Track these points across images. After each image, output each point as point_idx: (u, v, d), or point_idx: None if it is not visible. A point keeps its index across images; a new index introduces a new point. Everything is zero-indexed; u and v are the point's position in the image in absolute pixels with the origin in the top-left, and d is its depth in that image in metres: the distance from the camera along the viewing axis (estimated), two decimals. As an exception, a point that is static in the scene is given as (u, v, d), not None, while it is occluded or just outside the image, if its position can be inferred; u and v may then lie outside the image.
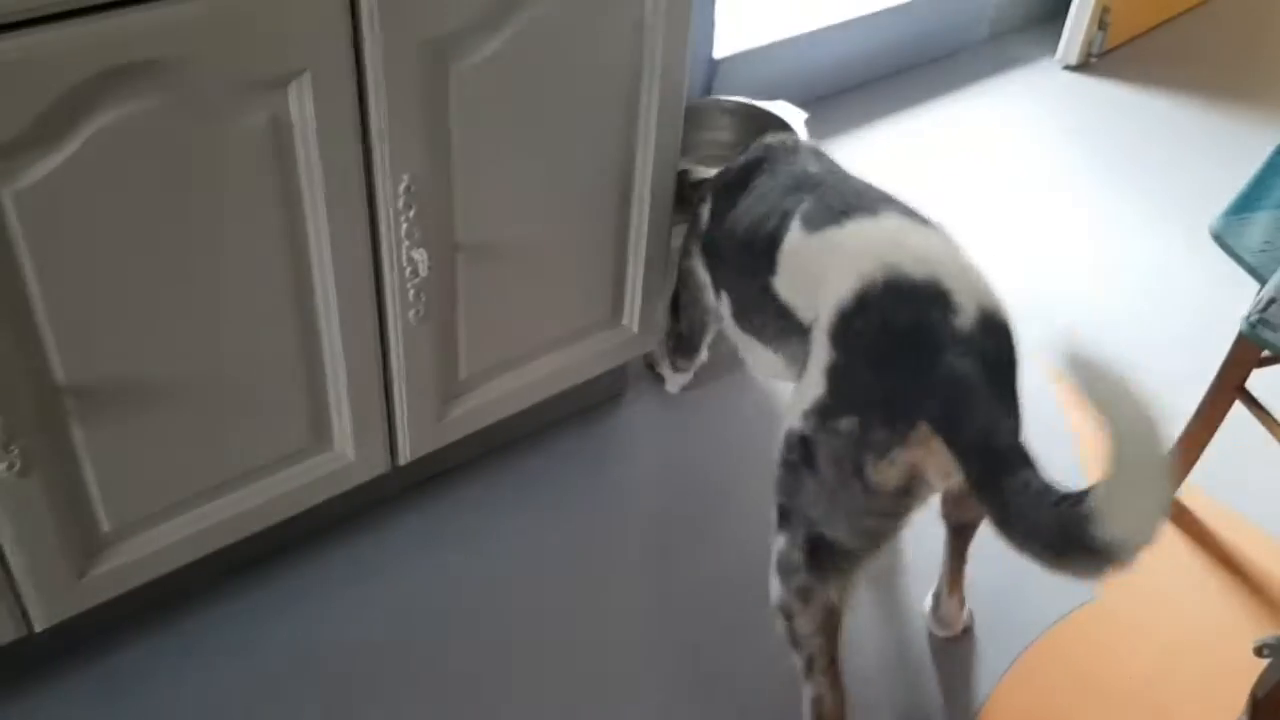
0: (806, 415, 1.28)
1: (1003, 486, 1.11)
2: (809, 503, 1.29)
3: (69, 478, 1.33)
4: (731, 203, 1.63)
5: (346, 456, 1.58)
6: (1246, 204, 1.58)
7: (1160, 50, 3.33)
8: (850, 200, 1.43)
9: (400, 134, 1.37)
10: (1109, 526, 1.01)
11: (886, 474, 1.22)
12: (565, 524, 1.79)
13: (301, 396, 1.49)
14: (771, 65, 2.72)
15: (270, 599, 1.65)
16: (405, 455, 1.65)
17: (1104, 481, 1.02)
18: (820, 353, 1.28)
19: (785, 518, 1.34)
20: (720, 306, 1.69)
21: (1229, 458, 1.87)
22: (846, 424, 1.23)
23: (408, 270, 1.46)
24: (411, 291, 1.48)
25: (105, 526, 1.41)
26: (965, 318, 1.21)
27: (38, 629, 1.41)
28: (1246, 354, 1.67)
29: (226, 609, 1.63)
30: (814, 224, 1.42)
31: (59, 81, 1.10)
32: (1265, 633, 1.62)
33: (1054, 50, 3.23)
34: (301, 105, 1.27)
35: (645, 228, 1.74)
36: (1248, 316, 1.49)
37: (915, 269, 1.25)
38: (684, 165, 1.91)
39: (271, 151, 1.28)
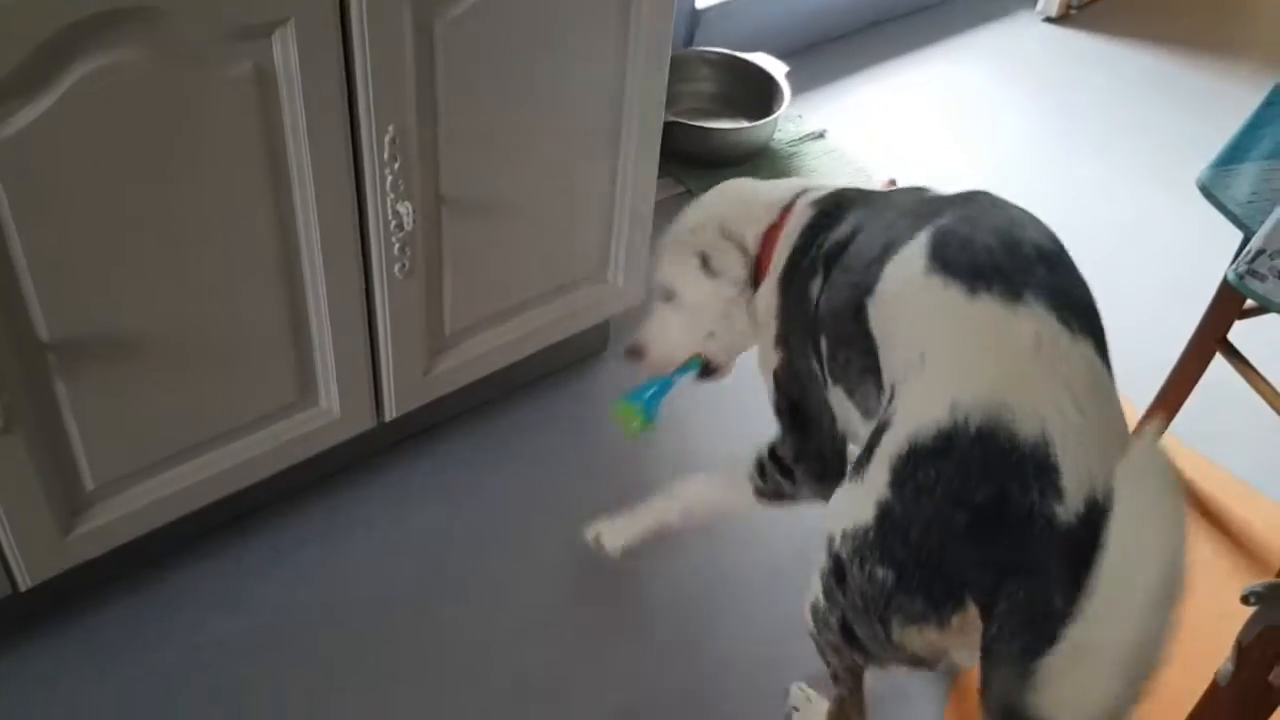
0: (846, 537, 1.09)
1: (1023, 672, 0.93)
2: (843, 602, 1.14)
3: (53, 435, 1.32)
4: (841, 267, 1.30)
5: (332, 413, 1.57)
6: (1233, 156, 1.58)
7: (1140, 3, 3.32)
8: (998, 253, 1.13)
9: (385, 85, 1.34)
10: (1044, 701, 0.90)
11: (912, 640, 1.07)
12: (549, 480, 1.79)
13: (287, 352, 1.48)
14: (752, 17, 2.69)
15: (256, 555, 1.64)
16: (391, 411, 1.64)
17: (1067, 637, 0.89)
18: (877, 475, 1.07)
19: (828, 594, 1.16)
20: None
21: (1209, 410, 1.88)
22: (883, 574, 1.05)
23: (393, 224, 1.44)
24: (396, 245, 1.47)
25: (89, 484, 1.39)
26: (1067, 509, 0.97)
27: (23, 588, 1.40)
28: (1229, 306, 1.68)
29: (212, 565, 1.63)
30: (946, 265, 1.14)
31: (40, 28, 1.07)
32: (1244, 581, 1.64)
33: (1034, 2, 3.21)
34: (286, 55, 1.24)
35: (632, 180, 1.72)
36: (1234, 267, 1.50)
37: (1025, 421, 0.99)
38: (668, 118, 1.89)
39: (255, 102, 1.26)
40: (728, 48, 2.55)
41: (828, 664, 1.31)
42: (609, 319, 1.94)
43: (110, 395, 1.34)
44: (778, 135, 2.51)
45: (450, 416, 1.86)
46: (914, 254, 1.17)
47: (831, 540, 1.12)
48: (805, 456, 1.41)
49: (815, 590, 1.17)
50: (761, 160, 2.46)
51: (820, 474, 1.41)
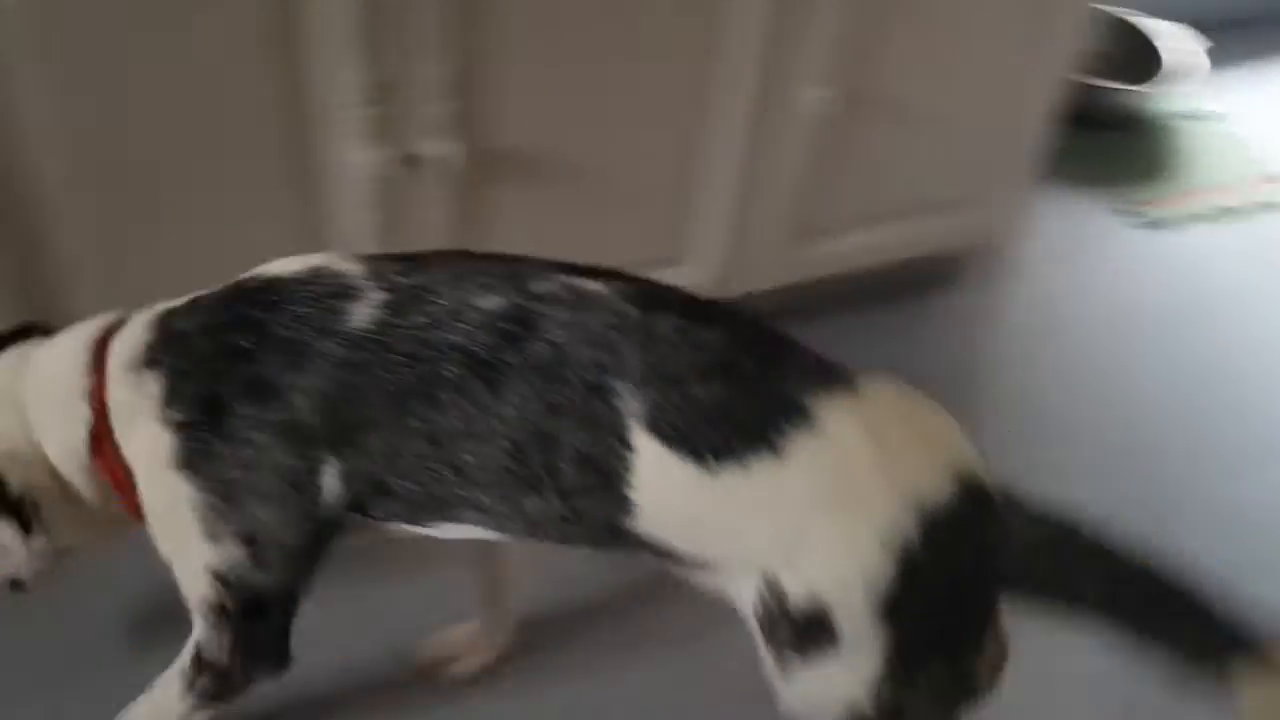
0: (874, 689, 0.97)
1: None
2: None
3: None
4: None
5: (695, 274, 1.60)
6: None
7: None
8: (751, 393, 0.96)
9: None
10: None
11: (987, 668, 1.02)
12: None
13: (669, 201, 1.51)
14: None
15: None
16: (739, 286, 1.65)
17: None
18: (860, 636, 0.95)
19: None
20: None
21: None
22: (937, 667, 0.99)
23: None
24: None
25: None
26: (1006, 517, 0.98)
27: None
28: None
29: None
30: (706, 449, 0.94)
31: None
32: None
33: None
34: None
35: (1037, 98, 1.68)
36: None
37: (942, 489, 0.94)
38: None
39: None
40: (1133, 9, 2.40)
41: None
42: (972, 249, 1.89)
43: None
44: (1162, 106, 2.36)
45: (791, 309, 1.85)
46: (660, 462, 0.95)
47: (856, 716, 0.99)
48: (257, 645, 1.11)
49: None
50: (1132, 129, 2.33)
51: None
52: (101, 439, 1.02)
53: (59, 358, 1.04)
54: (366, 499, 1.01)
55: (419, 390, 0.96)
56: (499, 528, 1.02)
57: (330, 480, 0.99)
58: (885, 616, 0.94)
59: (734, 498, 0.94)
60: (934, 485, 0.94)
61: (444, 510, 1.01)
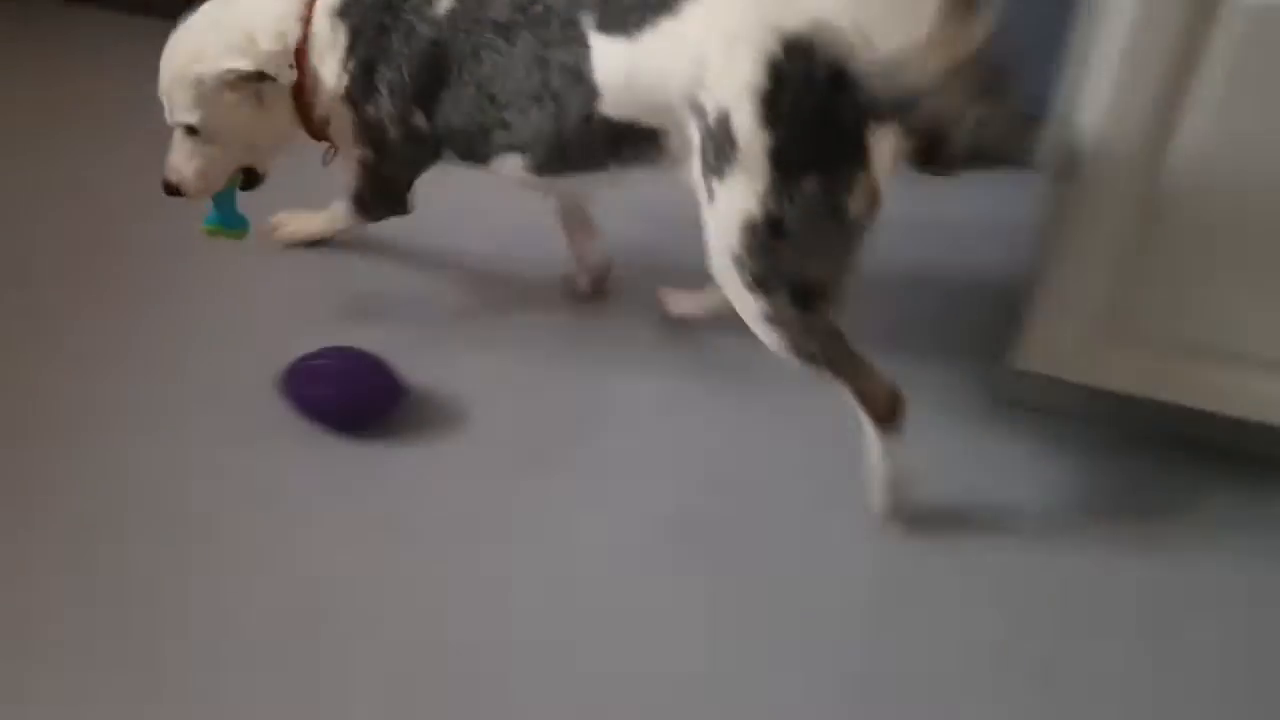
0: (763, 200, 1.35)
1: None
2: (786, 264, 1.39)
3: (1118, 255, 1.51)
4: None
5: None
6: None
7: None
8: None
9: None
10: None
11: (859, 201, 1.36)
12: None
13: None
14: None
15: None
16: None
17: None
18: (750, 142, 1.34)
19: (761, 284, 1.41)
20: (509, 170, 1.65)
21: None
22: (809, 184, 1.34)
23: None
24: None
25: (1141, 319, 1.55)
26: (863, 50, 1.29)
27: (1018, 367, 1.63)
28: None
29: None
30: (625, 26, 1.43)
31: None
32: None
33: None
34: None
35: None
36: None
37: (799, 23, 1.32)
38: None
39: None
40: None
41: (810, 354, 1.46)
42: None
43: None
44: None
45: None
46: (603, 45, 1.47)
47: (750, 219, 1.37)
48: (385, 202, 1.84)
49: (755, 308, 1.44)
50: None
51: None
52: (302, 54, 1.65)
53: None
54: (443, 139, 1.64)
55: (469, 54, 1.55)
56: (524, 150, 1.57)
57: (420, 121, 1.63)
58: (767, 122, 1.33)
59: (655, 50, 1.41)
60: (792, 20, 1.32)
61: (488, 139, 1.59)
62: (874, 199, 1.38)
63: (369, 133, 1.68)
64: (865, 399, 1.48)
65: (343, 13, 1.63)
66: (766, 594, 1.50)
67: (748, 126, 1.34)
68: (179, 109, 1.65)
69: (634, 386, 1.80)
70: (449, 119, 1.62)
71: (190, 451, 1.66)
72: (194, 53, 1.61)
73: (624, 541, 1.56)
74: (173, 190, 1.71)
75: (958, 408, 1.77)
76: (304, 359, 1.68)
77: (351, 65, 1.63)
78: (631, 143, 1.49)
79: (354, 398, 1.66)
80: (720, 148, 1.37)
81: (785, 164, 1.34)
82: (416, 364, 1.74)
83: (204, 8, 1.65)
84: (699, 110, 1.39)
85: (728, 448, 1.71)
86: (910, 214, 1.58)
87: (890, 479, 1.53)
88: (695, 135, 1.41)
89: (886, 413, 1.48)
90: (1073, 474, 1.67)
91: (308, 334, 1.74)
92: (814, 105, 1.32)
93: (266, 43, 1.62)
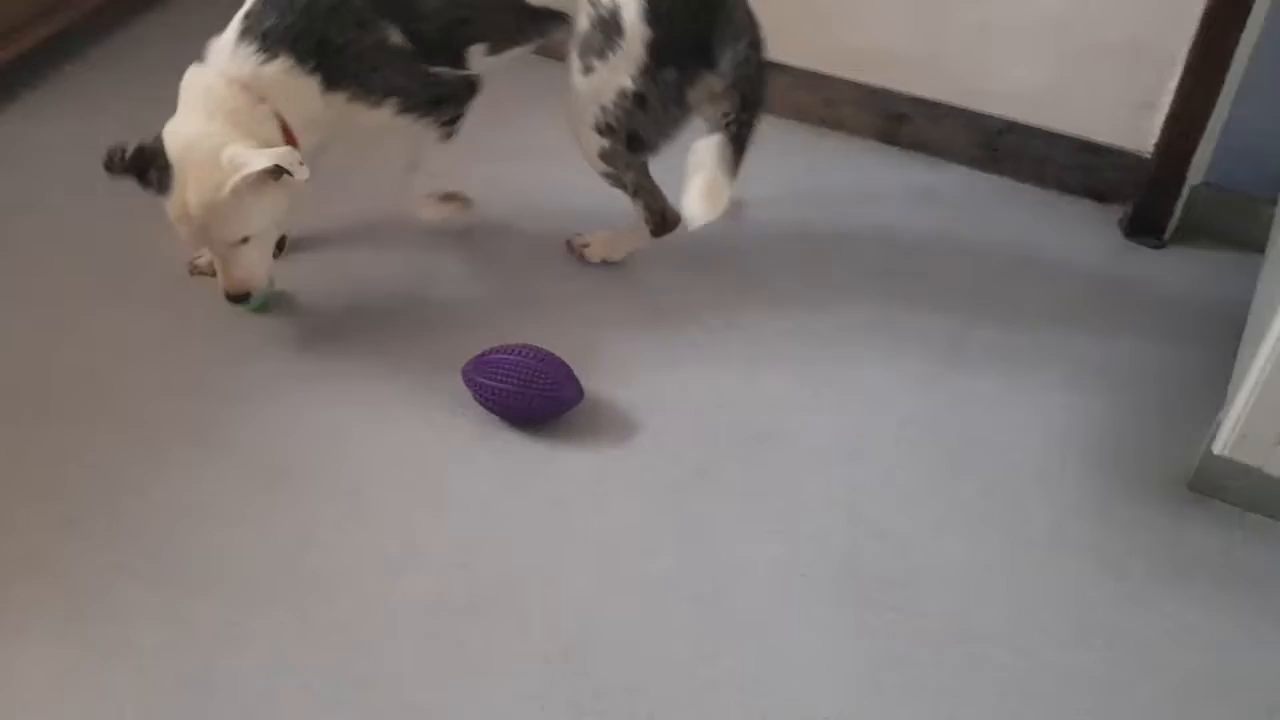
0: (636, 78, 1.78)
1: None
2: (635, 124, 1.83)
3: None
4: None
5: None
6: None
7: None
8: None
9: None
10: None
11: (699, 94, 1.82)
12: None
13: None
14: None
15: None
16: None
17: None
18: (634, 31, 1.75)
19: (612, 131, 1.83)
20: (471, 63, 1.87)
21: None
22: (669, 75, 1.79)
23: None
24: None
25: None
26: None
27: (1215, 450, 1.62)
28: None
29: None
30: None
31: None
32: None
33: None
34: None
35: None
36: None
37: None
38: None
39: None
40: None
41: (626, 186, 1.92)
42: None
43: None
44: None
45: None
46: None
47: (624, 90, 1.78)
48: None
49: (597, 142, 1.85)
50: None
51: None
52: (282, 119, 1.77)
53: (229, 81, 1.73)
54: (422, 47, 1.78)
55: None
56: (483, 39, 1.82)
57: (396, 37, 1.75)
58: (649, 21, 1.74)
59: None
60: None
61: (463, 32, 1.80)
62: (711, 96, 1.82)
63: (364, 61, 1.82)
64: (652, 214, 1.96)
65: (269, 36, 1.70)
66: (930, 647, 1.50)
67: (633, 22, 1.75)
68: (229, 230, 1.68)
69: (817, 419, 1.82)
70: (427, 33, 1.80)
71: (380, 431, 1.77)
72: (211, 181, 1.63)
73: (787, 571, 1.58)
74: (243, 297, 1.77)
75: (1150, 484, 1.73)
76: (489, 351, 1.74)
77: (311, 65, 1.72)
78: (547, 20, 1.85)
79: (528, 393, 1.71)
80: (608, 34, 1.77)
81: (656, 55, 1.77)
82: (600, 371, 1.81)
83: (172, 139, 1.66)
84: (596, 3, 1.77)
85: (903, 501, 1.70)
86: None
87: (617, 243, 2.06)
88: (585, 21, 1.79)
89: (660, 229, 1.98)
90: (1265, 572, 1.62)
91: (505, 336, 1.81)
92: (685, 14, 1.77)
93: (257, 126, 1.69)
